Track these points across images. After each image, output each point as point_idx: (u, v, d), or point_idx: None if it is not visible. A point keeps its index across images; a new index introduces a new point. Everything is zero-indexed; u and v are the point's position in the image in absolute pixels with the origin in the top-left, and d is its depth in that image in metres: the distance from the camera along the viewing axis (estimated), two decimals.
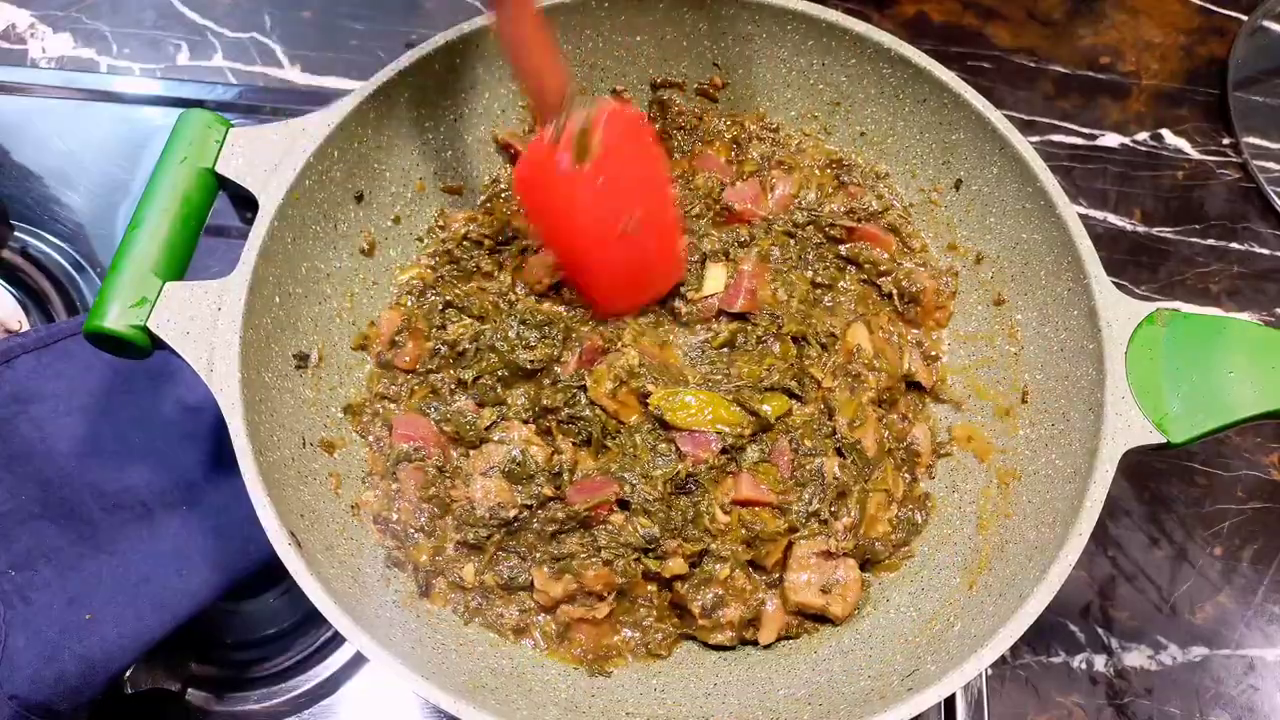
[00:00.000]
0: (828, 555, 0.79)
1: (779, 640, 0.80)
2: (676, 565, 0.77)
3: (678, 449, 0.79)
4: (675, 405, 0.79)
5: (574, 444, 0.81)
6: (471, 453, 0.82)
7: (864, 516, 0.81)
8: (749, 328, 0.85)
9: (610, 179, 0.74)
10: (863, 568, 0.81)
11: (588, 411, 0.80)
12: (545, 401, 0.81)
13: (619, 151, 0.73)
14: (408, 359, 0.85)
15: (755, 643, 0.80)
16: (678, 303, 0.86)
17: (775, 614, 0.79)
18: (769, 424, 0.80)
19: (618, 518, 0.78)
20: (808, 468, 0.80)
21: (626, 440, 0.80)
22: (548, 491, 0.78)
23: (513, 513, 0.78)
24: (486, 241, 0.90)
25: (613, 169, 0.73)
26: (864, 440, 0.81)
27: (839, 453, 0.81)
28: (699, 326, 0.86)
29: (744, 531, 0.78)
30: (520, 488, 0.79)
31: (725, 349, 0.85)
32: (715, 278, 0.86)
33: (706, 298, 0.86)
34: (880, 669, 0.75)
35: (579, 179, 0.73)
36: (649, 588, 0.80)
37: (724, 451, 0.80)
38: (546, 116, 0.72)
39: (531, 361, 0.81)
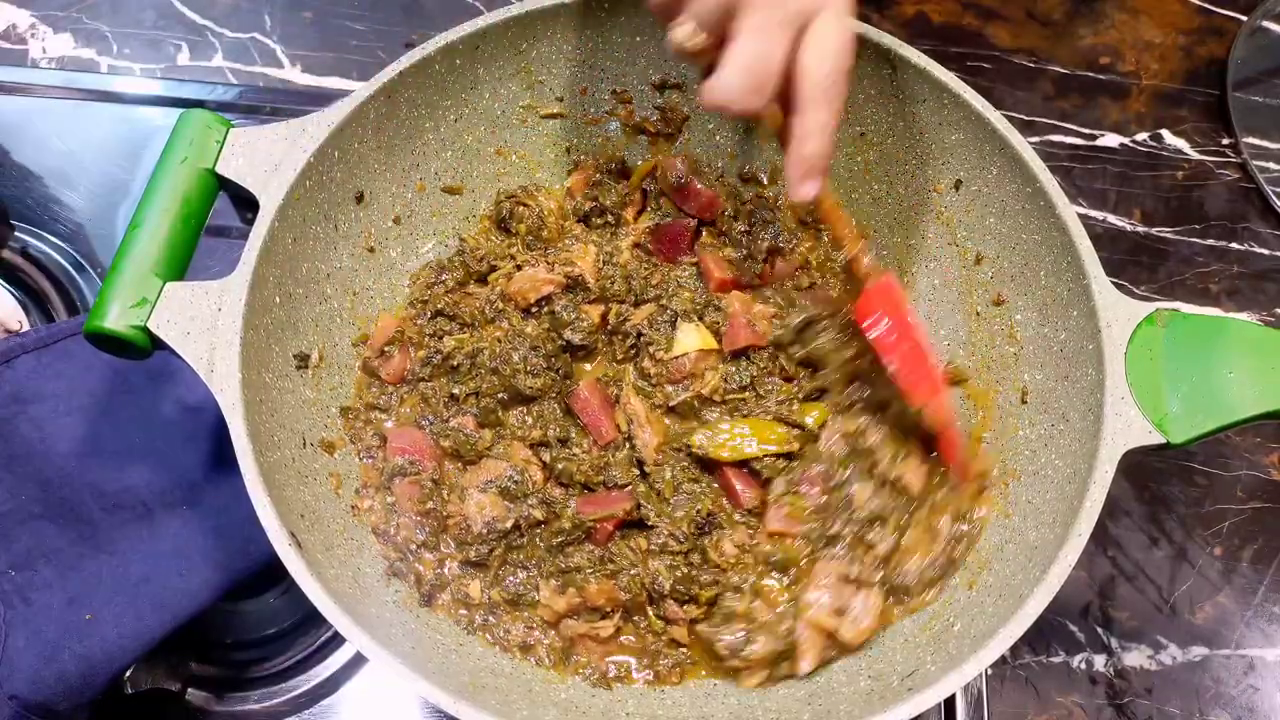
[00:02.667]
0: (847, 579, 0.78)
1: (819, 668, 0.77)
2: (690, 610, 0.78)
3: (730, 492, 0.81)
4: (716, 442, 0.80)
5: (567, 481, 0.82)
6: (469, 467, 0.82)
7: (898, 546, 0.79)
8: (744, 364, 0.84)
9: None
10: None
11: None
12: (549, 433, 0.82)
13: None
14: (390, 373, 0.85)
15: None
16: (646, 363, 0.83)
17: (811, 639, 0.77)
18: (815, 434, 0.81)
19: (639, 542, 0.79)
20: (839, 495, 0.80)
21: (656, 475, 0.81)
22: (538, 514, 0.79)
23: (509, 523, 0.78)
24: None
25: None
26: (905, 475, 0.81)
27: (881, 485, 0.81)
28: (671, 387, 0.83)
29: (763, 566, 0.79)
30: (513, 505, 0.79)
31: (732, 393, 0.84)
32: (687, 337, 0.83)
33: (676, 358, 0.83)
34: (880, 669, 0.75)
35: None
36: (652, 613, 0.80)
37: (756, 476, 0.81)
38: None
39: (531, 388, 0.82)
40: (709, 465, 0.82)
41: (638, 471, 0.81)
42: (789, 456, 0.82)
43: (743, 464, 0.81)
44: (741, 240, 0.93)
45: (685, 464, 0.81)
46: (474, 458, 0.82)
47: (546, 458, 0.82)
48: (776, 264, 0.93)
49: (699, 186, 0.92)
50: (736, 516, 0.81)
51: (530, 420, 0.83)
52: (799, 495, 0.81)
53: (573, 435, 0.82)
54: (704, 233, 0.95)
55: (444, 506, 0.80)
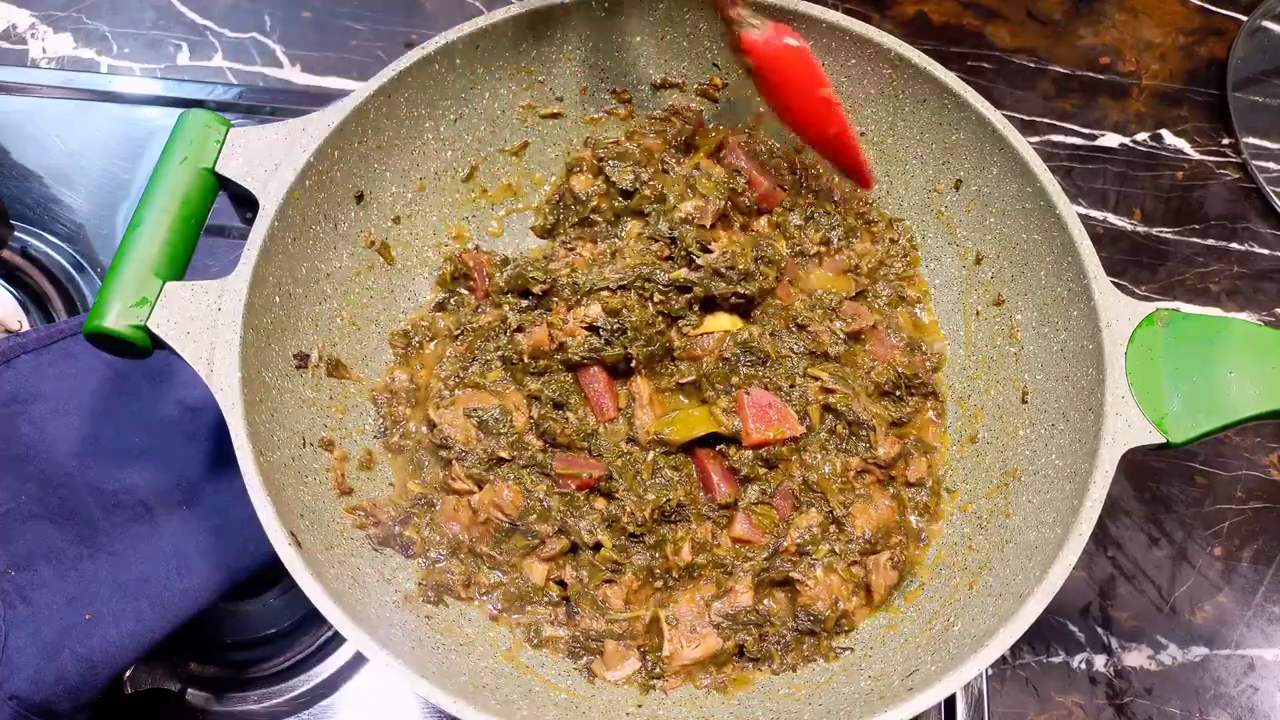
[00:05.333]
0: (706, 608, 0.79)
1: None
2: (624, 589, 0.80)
3: (705, 481, 0.82)
4: (669, 421, 0.82)
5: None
6: (460, 393, 0.84)
7: (815, 585, 0.79)
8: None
9: (771, 86, 0.85)
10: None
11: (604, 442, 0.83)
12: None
13: (771, 71, 0.84)
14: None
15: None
16: (672, 333, 0.84)
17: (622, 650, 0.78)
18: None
19: (601, 502, 0.81)
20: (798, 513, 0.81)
21: (639, 455, 0.81)
22: (502, 453, 0.80)
23: (480, 451, 0.81)
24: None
25: (770, 83, 0.85)
26: (859, 521, 0.81)
27: (836, 523, 0.81)
28: (687, 364, 0.85)
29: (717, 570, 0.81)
30: (484, 438, 0.81)
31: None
32: (718, 319, 0.85)
33: (701, 336, 0.84)
34: (880, 669, 0.75)
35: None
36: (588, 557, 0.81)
37: (735, 473, 0.82)
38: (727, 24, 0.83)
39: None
40: (690, 453, 0.83)
41: (626, 447, 0.82)
42: (771, 464, 0.82)
43: (723, 456, 0.82)
44: (795, 234, 0.93)
45: (669, 450, 0.82)
46: (473, 383, 0.84)
47: (536, 414, 0.83)
48: (824, 260, 0.93)
49: (760, 178, 0.92)
50: (705, 511, 0.81)
51: (541, 382, 0.84)
52: (770, 507, 0.81)
53: (571, 401, 0.83)
54: (762, 220, 0.94)
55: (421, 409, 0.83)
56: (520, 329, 0.85)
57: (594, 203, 0.90)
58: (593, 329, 0.82)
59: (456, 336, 0.88)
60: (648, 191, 0.89)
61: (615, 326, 0.82)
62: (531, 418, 0.83)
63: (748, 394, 0.81)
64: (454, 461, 0.81)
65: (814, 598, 0.78)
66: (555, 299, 0.85)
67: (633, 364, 0.83)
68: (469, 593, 0.79)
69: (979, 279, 0.90)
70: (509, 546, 0.80)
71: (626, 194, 0.90)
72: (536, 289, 0.85)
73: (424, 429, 0.85)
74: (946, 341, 0.92)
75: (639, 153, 0.91)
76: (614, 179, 0.89)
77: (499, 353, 0.85)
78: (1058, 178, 0.81)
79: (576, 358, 0.83)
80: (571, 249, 0.89)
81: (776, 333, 0.85)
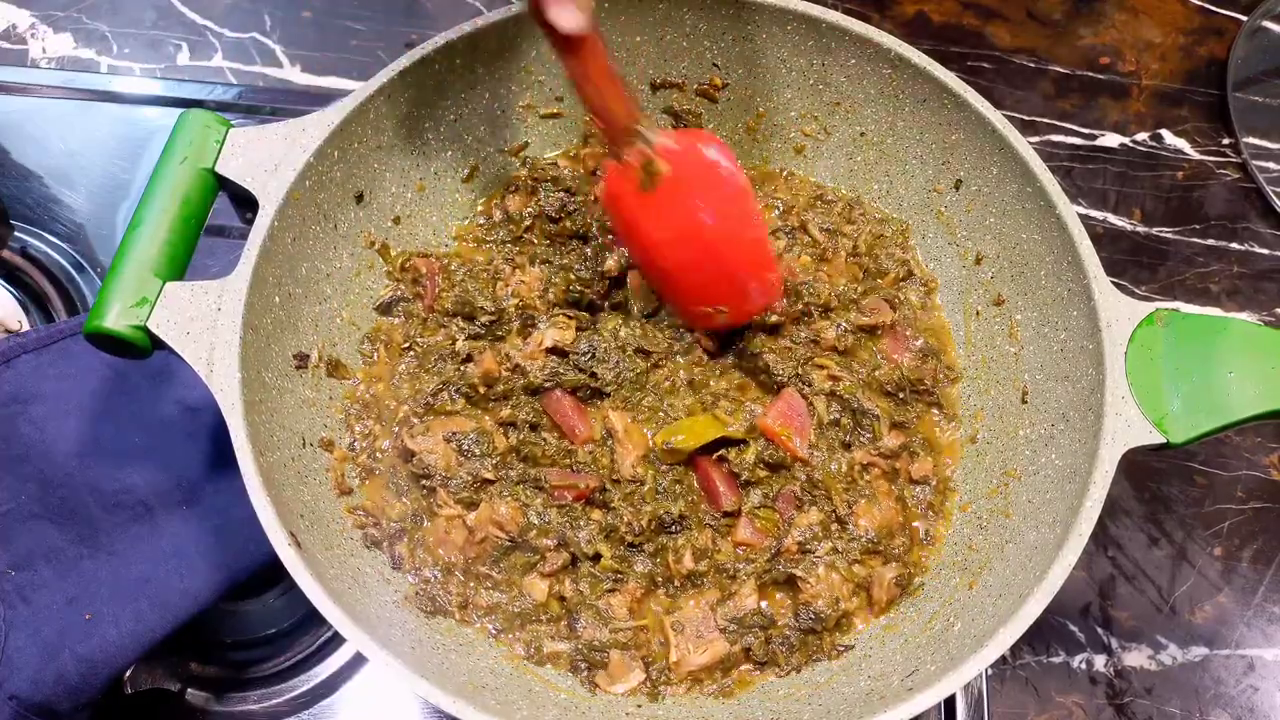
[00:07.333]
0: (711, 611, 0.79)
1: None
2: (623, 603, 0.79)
3: (710, 491, 0.81)
4: (675, 429, 0.82)
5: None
6: (431, 419, 0.83)
7: (817, 583, 0.79)
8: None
9: (680, 202, 0.77)
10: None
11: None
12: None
13: (687, 178, 0.77)
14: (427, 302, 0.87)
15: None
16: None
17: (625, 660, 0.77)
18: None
19: (598, 513, 0.80)
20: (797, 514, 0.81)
21: (631, 485, 0.81)
22: (487, 475, 0.80)
23: (463, 473, 0.80)
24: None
25: (682, 193, 0.77)
26: (862, 520, 0.81)
27: (839, 521, 0.81)
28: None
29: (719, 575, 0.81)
30: (465, 462, 0.80)
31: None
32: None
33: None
34: (880, 669, 0.75)
35: (650, 200, 0.77)
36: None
37: (736, 478, 0.82)
38: (617, 145, 0.76)
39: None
40: (691, 463, 0.83)
41: (608, 464, 0.82)
42: (774, 468, 0.82)
43: (723, 462, 0.82)
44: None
45: (665, 467, 0.82)
46: (443, 410, 0.83)
47: (514, 440, 0.82)
48: (830, 257, 0.93)
49: None
50: (706, 519, 0.81)
51: (510, 408, 0.83)
52: (773, 510, 0.81)
53: (544, 422, 0.83)
54: None
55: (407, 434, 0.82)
56: (470, 358, 0.84)
57: (527, 223, 0.91)
58: (555, 352, 0.82)
59: (406, 349, 0.87)
60: (567, 223, 0.90)
61: (584, 349, 0.82)
62: (510, 444, 0.82)
63: (789, 395, 0.83)
64: (439, 489, 0.80)
65: (815, 595, 0.78)
66: (505, 326, 0.85)
67: (602, 389, 0.82)
68: (465, 615, 0.78)
69: (979, 279, 0.90)
70: (508, 564, 0.79)
71: (553, 219, 0.90)
72: (483, 318, 0.85)
73: (396, 455, 0.82)
74: (961, 353, 0.91)
75: (570, 179, 0.92)
76: (543, 202, 0.90)
77: (456, 387, 0.84)
78: (1058, 178, 0.81)
79: (536, 382, 0.82)
80: (516, 267, 0.89)
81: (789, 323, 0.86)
